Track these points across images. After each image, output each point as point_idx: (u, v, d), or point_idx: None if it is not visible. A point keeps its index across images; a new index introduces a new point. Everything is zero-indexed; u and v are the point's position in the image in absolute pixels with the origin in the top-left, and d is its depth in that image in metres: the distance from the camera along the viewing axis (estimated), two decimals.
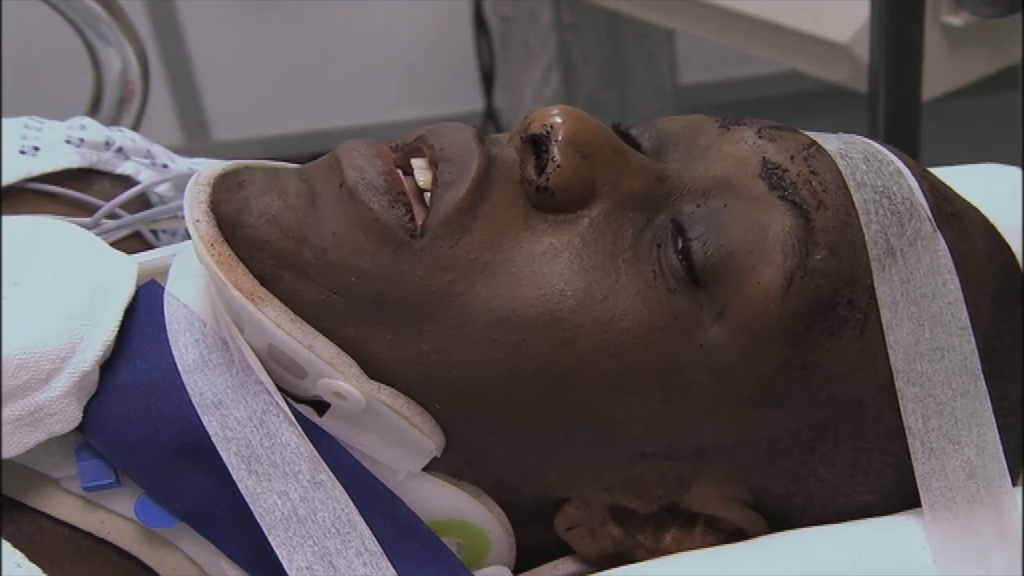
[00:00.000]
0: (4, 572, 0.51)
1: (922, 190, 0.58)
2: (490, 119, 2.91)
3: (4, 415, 0.52)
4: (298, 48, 3.04)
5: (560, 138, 0.55)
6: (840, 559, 0.55)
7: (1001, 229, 0.64)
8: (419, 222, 0.54)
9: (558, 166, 0.54)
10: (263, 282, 0.54)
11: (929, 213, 0.57)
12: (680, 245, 0.55)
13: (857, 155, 0.58)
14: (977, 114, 2.45)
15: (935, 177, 0.62)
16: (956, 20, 1.48)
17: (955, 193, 0.62)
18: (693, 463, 0.57)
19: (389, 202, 0.54)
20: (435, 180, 0.55)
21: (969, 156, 0.88)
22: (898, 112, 1.00)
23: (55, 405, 0.53)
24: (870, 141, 0.61)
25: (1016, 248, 0.65)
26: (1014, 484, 0.60)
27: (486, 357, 0.53)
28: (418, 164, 0.56)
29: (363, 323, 0.53)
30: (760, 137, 0.58)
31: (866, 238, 0.56)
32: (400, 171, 0.56)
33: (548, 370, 0.53)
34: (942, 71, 1.52)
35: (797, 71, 1.68)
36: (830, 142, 0.59)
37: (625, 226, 0.56)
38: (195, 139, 3.10)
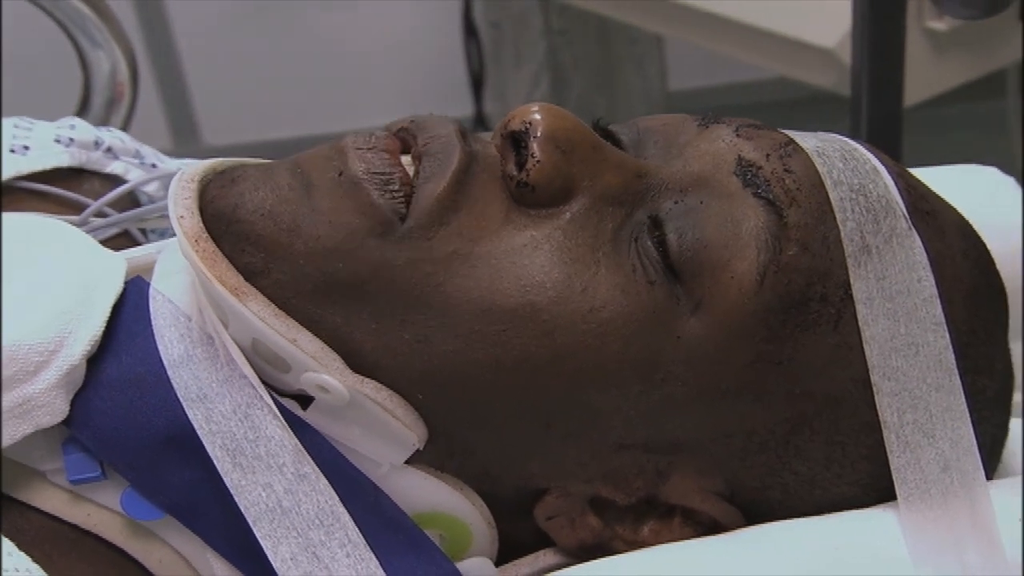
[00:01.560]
0: None
1: (898, 188, 0.59)
2: (480, 124, 2.91)
3: None
4: (288, 53, 3.04)
5: (539, 134, 0.56)
6: (816, 551, 0.56)
7: (980, 228, 0.64)
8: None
9: (537, 161, 0.55)
10: (251, 276, 0.54)
11: (904, 211, 0.58)
12: (658, 238, 0.56)
13: (834, 153, 0.59)
14: (961, 120, 2.46)
15: (911, 175, 0.63)
16: (940, 25, 1.49)
17: (931, 191, 0.63)
18: (671, 455, 0.58)
19: (392, 192, 0.54)
20: (416, 173, 0.55)
21: (953, 162, 0.88)
22: (881, 117, 1.01)
23: (43, 398, 0.53)
24: (847, 139, 0.61)
25: (1010, 249, 0.66)
26: (991, 477, 0.61)
27: (467, 347, 0.54)
28: (404, 160, 0.57)
29: (349, 311, 0.54)
30: (737, 135, 0.59)
31: (842, 235, 0.56)
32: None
33: (528, 361, 0.54)
34: (926, 76, 1.53)
35: (786, 77, 1.69)
36: (808, 140, 0.59)
37: (605, 220, 0.56)
38: (184, 143, 3.09)
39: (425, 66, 3.05)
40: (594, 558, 0.58)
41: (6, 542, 0.52)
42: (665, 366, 0.55)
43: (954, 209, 0.64)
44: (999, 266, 0.65)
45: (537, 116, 0.56)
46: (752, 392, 0.56)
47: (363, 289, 0.54)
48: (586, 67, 2.73)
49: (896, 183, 0.59)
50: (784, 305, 0.55)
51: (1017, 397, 0.68)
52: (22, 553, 0.52)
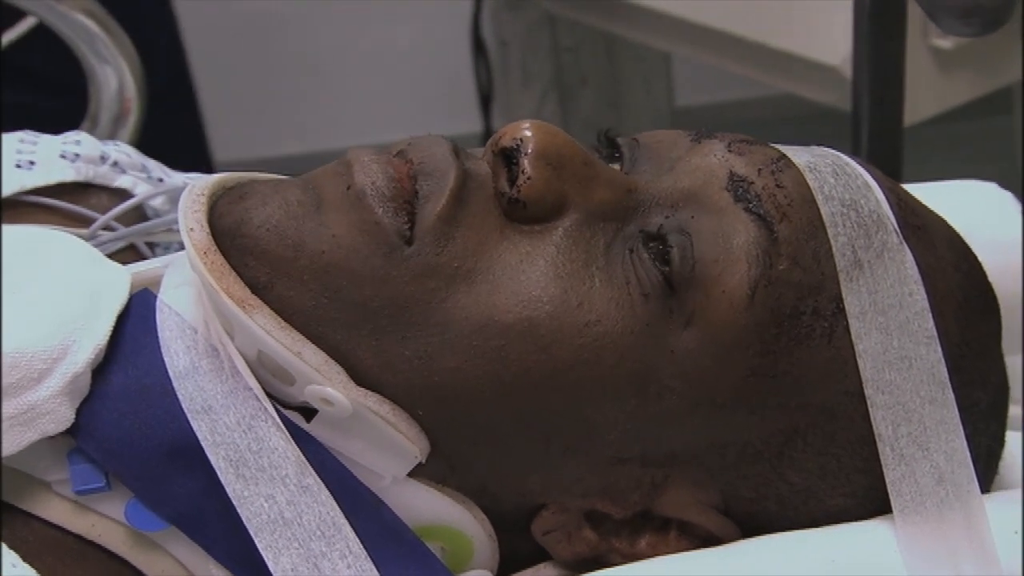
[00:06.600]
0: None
1: (889, 203, 0.59)
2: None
3: None
4: (296, 70, 3.05)
5: (530, 151, 0.56)
6: (812, 564, 0.56)
7: (979, 243, 0.65)
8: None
9: (528, 178, 0.56)
10: (255, 289, 0.55)
11: (896, 225, 0.58)
12: (656, 251, 0.56)
13: (826, 169, 0.59)
14: (968, 137, 2.46)
15: (903, 190, 0.63)
16: (945, 43, 1.49)
17: (922, 205, 0.64)
18: (666, 468, 0.58)
19: (394, 209, 0.55)
20: (415, 193, 0.56)
21: (959, 178, 0.88)
22: (881, 134, 1.01)
23: (47, 405, 0.54)
24: (840, 154, 0.62)
25: (1009, 264, 0.66)
26: (986, 489, 0.61)
27: (467, 363, 0.54)
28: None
29: (351, 329, 0.55)
30: (729, 151, 0.59)
31: (833, 250, 0.57)
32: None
33: (526, 376, 0.55)
34: (932, 93, 1.54)
35: (792, 93, 1.69)
36: (800, 155, 0.60)
37: (597, 235, 0.57)
38: None
39: (434, 83, 3.06)
40: (591, 571, 0.59)
41: (12, 554, 0.53)
42: (660, 379, 0.56)
43: (945, 222, 0.64)
44: (998, 281, 0.65)
45: (528, 133, 0.57)
46: (746, 405, 0.57)
47: (365, 307, 0.55)
48: (594, 84, 2.74)
49: (887, 198, 0.60)
50: (776, 319, 0.56)
51: (1016, 410, 0.69)
52: (28, 566, 0.52)
